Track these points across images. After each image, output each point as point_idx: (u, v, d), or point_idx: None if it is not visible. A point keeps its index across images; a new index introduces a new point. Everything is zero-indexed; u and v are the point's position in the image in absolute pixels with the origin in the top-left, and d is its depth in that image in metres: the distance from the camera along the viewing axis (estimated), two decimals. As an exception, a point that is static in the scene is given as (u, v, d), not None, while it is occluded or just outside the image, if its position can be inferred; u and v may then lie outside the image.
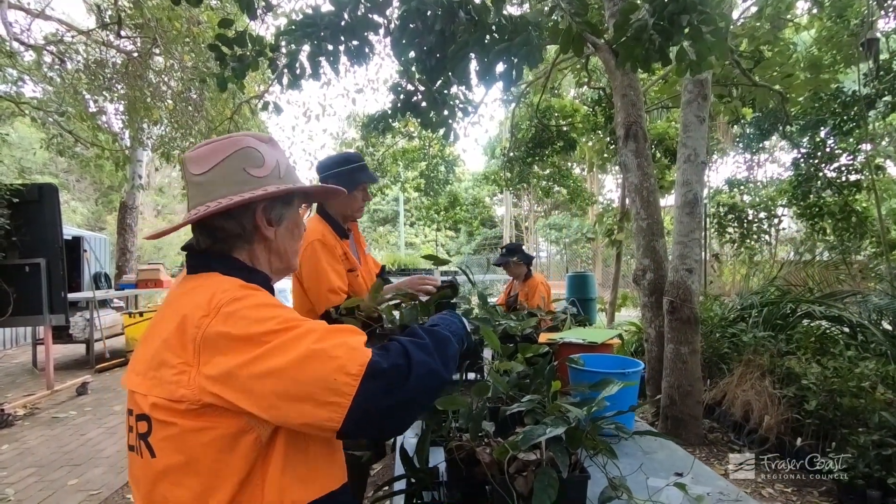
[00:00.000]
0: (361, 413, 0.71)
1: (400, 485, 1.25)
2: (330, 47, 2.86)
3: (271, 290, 0.92)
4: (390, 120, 3.45)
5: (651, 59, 2.61)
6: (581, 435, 1.12)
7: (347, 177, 1.91)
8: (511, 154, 9.74)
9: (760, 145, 9.01)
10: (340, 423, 0.71)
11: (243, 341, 0.73)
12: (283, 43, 2.97)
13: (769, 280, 5.81)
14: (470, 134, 57.91)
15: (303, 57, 3.01)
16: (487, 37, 2.51)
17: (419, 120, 3.42)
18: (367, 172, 2.01)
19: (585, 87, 10.66)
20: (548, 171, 11.56)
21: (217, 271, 0.86)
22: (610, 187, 23.67)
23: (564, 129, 10.04)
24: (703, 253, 4.78)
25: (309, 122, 9.47)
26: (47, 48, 7.59)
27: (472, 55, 2.60)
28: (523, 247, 4.44)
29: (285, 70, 2.98)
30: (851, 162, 7.06)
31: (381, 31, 2.97)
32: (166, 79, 8.71)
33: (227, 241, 0.89)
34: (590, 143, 10.88)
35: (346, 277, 1.91)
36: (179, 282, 0.92)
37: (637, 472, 1.33)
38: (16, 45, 7.33)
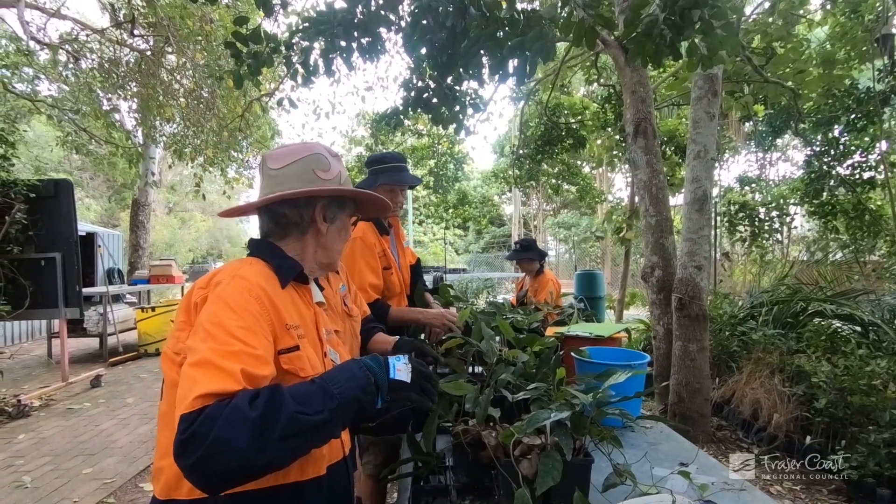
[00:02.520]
0: (177, 447, 0.73)
1: (407, 468, 1.28)
2: (343, 44, 2.89)
3: (303, 279, 1.04)
4: (401, 116, 3.47)
5: (662, 55, 2.60)
6: (585, 421, 1.14)
7: (371, 177, 2.02)
8: (520, 151, 9.73)
9: (773, 143, 8.91)
10: (182, 412, 0.75)
11: (206, 312, 0.85)
12: (298, 40, 3.00)
13: (780, 278, 5.75)
14: (479, 131, 57.79)
15: (316, 54, 3.04)
16: (500, 32, 2.52)
17: (430, 116, 3.44)
18: (388, 174, 2.03)
19: (595, 84, 10.62)
20: (557, 169, 11.53)
21: (258, 256, 1.00)
22: (619, 185, 23.54)
23: (574, 126, 10.01)
24: (712, 250, 4.75)
25: (319, 119, 9.49)
26: (63, 47, 7.70)
27: (483, 51, 2.62)
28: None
29: (299, 67, 3.01)
30: (865, 159, 6.97)
31: (393, 27, 2.99)
32: (178, 77, 8.81)
33: (285, 228, 1.03)
34: (599, 141, 10.85)
35: (382, 275, 1.99)
36: None
37: (642, 461, 1.34)
38: (32, 43, 7.45)
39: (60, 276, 4.90)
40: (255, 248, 1.04)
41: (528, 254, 3.84)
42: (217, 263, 32.31)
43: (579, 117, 10.05)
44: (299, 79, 3.08)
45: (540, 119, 9.59)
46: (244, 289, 0.87)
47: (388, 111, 3.55)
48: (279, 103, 3.91)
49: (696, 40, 2.49)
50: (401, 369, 0.92)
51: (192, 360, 0.78)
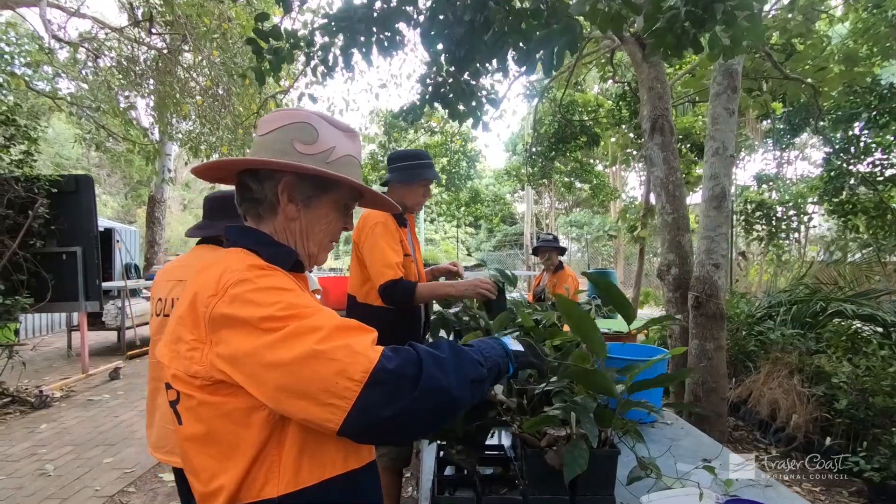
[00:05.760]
0: (360, 418, 0.70)
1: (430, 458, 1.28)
2: (362, 39, 2.90)
3: (299, 268, 0.90)
4: (418, 111, 3.48)
5: (682, 47, 2.57)
6: (610, 414, 1.13)
7: (411, 171, 2.04)
8: (533, 149, 9.69)
9: (791, 141, 8.76)
10: (339, 426, 0.70)
11: (249, 326, 0.72)
12: (317, 36, 3.02)
13: (798, 278, 5.67)
14: (492, 129, 57.83)
15: (336, 49, 3.06)
16: (524, 24, 2.51)
17: (447, 111, 3.44)
18: (430, 170, 2.09)
19: (610, 81, 10.53)
20: (570, 167, 11.47)
21: (243, 246, 0.86)
22: (633, 184, 23.34)
23: (588, 124, 9.95)
24: (729, 249, 4.69)
25: (332, 116, 9.49)
26: (83, 45, 7.83)
27: (508, 43, 2.62)
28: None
29: (319, 63, 3.03)
30: (886, 157, 6.83)
31: (412, 22, 3.00)
32: (195, 74, 8.91)
33: (252, 205, 0.90)
34: (613, 139, 10.77)
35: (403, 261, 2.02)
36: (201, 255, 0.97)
37: (665, 456, 1.34)
38: (53, 41, 7.58)
39: (81, 269, 4.99)
40: (237, 236, 0.89)
41: (556, 244, 3.89)
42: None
43: (593, 115, 9.99)
44: (318, 75, 3.10)
45: (553, 116, 9.54)
46: (271, 279, 0.79)
47: (405, 107, 3.55)
48: (299, 99, 3.93)
49: (718, 30, 2.46)
50: (512, 343, 0.96)
51: (312, 355, 0.70)
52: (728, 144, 4.03)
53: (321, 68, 3.14)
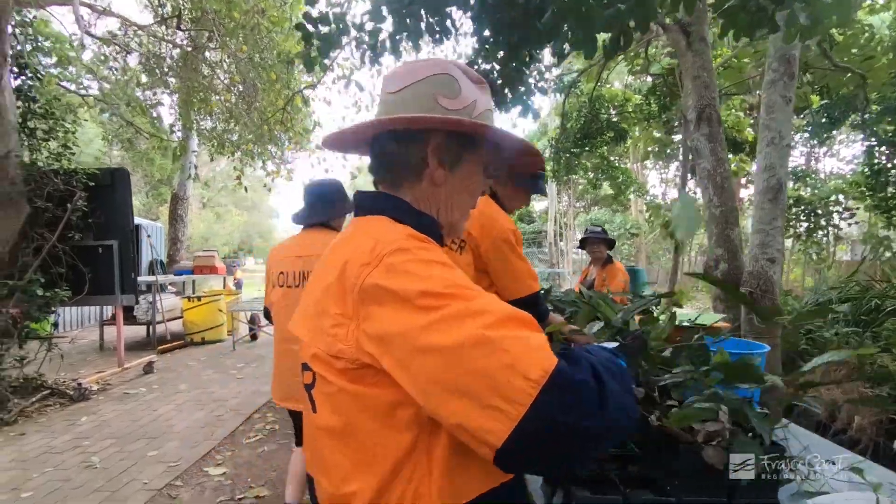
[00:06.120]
0: (534, 431, 0.54)
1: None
2: (412, 23, 2.82)
3: (442, 242, 0.81)
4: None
5: (756, 27, 2.45)
6: (752, 408, 1.03)
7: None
8: (559, 144, 9.54)
9: (829, 135, 8.50)
10: (503, 440, 0.54)
11: (404, 302, 0.61)
12: (366, 21, 2.94)
13: (849, 275, 5.46)
14: (518, 124, 57.71)
15: (384, 35, 2.98)
16: (583, 7, 2.40)
17: (495, 98, 3.34)
18: (542, 182, 1.97)
19: (637, 76, 10.33)
20: (594, 163, 11.29)
21: (386, 214, 0.76)
22: (653, 182, 23.01)
23: (615, 119, 9.77)
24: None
25: (359, 112, 9.48)
26: (114, 40, 7.89)
27: (568, 25, 2.50)
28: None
29: (367, 48, 2.96)
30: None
31: (462, 7, 2.91)
32: (222, 70, 8.92)
33: (393, 171, 0.79)
34: (638, 132, 10.56)
35: None
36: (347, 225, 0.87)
37: (804, 452, 1.23)
38: (86, 38, 7.65)
39: (117, 263, 4.99)
40: (372, 202, 0.79)
41: (605, 235, 3.73)
42: (247, 259, 32.91)
43: (620, 109, 9.81)
44: (367, 60, 3.02)
45: (580, 112, 9.38)
46: (432, 251, 0.68)
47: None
48: (346, 86, 3.85)
49: (798, 7, 2.32)
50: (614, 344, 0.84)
51: (479, 341, 0.56)
52: (784, 134, 3.87)
53: (368, 54, 3.06)
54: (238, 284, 12.35)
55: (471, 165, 0.81)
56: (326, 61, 3.34)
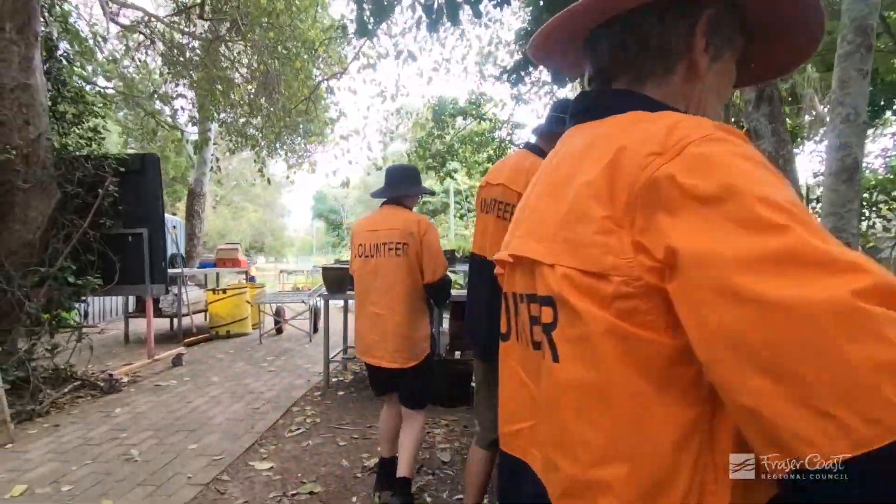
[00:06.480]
0: (883, 474, 0.34)
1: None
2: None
3: None
4: (521, 72, 3.17)
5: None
6: None
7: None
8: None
9: (872, 122, 8.17)
10: (825, 464, 0.34)
11: (719, 207, 0.41)
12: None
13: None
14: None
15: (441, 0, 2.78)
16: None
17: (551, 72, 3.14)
18: None
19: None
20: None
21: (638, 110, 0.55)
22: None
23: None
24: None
25: (384, 102, 9.33)
26: (139, 29, 7.78)
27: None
28: None
29: (423, 13, 2.76)
30: None
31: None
32: (243, 61, 8.80)
33: (637, 61, 0.59)
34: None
35: None
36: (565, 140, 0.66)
37: None
38: (108, 28, 7.55)
39: (147, 252, 4.84)
40: (611, 101, 0.60)
41: None
42: (259, 257, 32.86)
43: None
44: (423, 27, 2.83)
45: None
46: (750, 148, 0.46)
47: (509, 66, 3.26)
48: (398, 56, 3.67)
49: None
50: None
51: (845, 309, 0.35)
52: (860, 110, 3.61)
53: (426, 19, 2.86)
54: (251, 280, 12.21)
55: (734, 53, 0.62)
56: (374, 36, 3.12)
